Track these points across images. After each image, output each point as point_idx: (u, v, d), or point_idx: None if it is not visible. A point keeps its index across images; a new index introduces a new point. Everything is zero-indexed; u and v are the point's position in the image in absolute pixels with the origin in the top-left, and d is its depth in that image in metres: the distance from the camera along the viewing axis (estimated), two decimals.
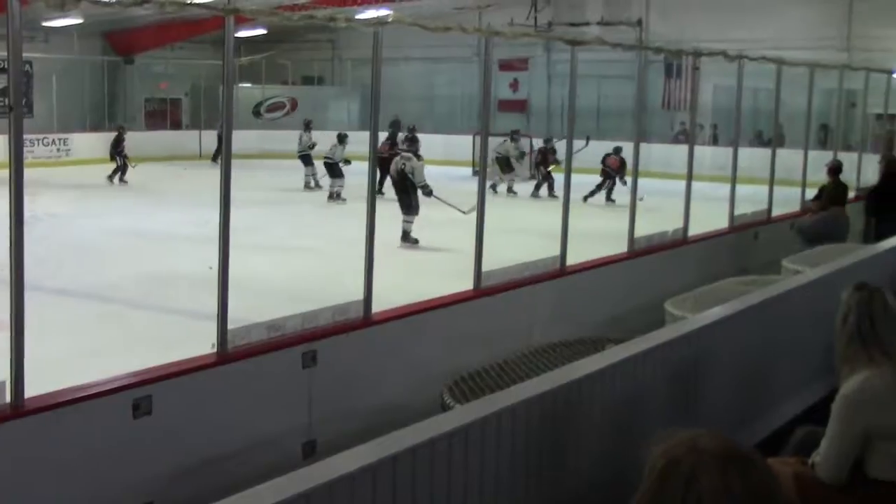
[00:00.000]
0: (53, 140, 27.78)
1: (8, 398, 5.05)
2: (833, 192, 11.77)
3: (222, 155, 6.26)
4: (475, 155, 23.08)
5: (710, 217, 12.28)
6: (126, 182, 23.93)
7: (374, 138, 7.43)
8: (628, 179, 14.57)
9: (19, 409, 5.06)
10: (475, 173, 23.06)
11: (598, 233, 11.34)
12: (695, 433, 2.18)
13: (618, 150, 20.91)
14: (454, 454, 4.07)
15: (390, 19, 7.42)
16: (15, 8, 4.92)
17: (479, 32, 8.10)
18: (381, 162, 21.95)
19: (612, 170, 21.02)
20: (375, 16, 7.44)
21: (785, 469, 4.39)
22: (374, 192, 7.23)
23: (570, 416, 4.70)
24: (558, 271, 8.94)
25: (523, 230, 13.79)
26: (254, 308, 7.45)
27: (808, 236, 11.18)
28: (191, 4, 5.98)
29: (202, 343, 6.23)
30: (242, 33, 31.18)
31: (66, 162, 27.24)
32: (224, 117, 6.28)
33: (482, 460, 4.19)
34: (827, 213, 11.32)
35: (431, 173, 25.27)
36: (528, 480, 4.49)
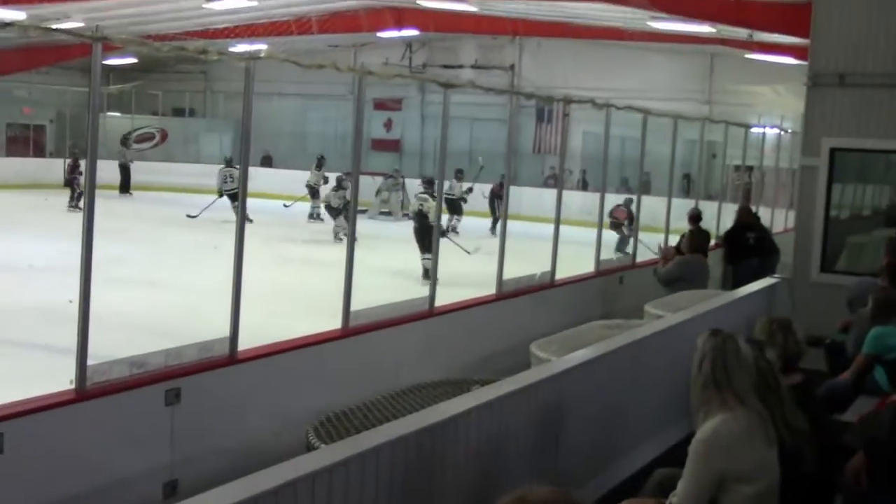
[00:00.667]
0: None
1: None
2: (691, 239, 12.13)
3: (85, 185, 6.10)
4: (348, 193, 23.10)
5: (577, 261, 12.51)
6: (80, 209, 23.44)
7: (244, 172, 7.37)
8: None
9: None
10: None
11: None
12: (529, 486, 2.22)
13: (628, 203, 20.40)
14: (318, 495, 4.04)
15: (263, 54, 7.40)
16: None
17: (353, 71, 8.16)
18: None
19: (619, 221, 20.64)
20: (248, 50, 7.38)
21: None
22: (243, 227, 7.14)
23: (435, 458, 4.72)
24: (426, 312, 8.97)
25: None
26: (116, 344, 7.27)
27: (665, 281, 11.49)
28: (57, 30, 5.84)
29: (60, 380, 6.03)
30: (112, 61, 30.61)
31: None
32: (89, 146, 6.12)
33: (346, 501, 4.17)
34: (684, 259, 11.66)
35: (304, 210, 25.29)
36: None
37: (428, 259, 15.04)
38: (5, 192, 26.17)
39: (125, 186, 28.98)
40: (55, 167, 28.83)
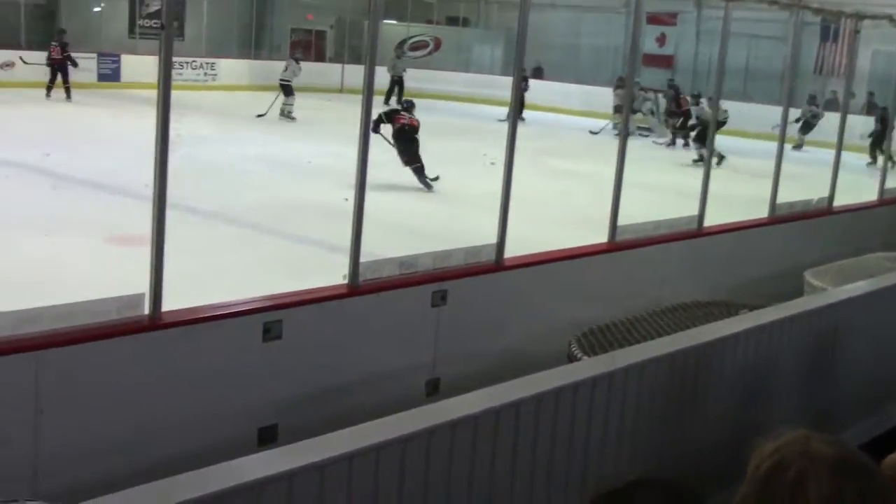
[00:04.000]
0: (202, 64, 28.26)
1: (147, 310, 5.19)
2: None
3: (364, 89, 6.25)
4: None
5: (856, 188, 11.83)
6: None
7: (517, 82, 7.34)
8: None
9: (156, 321, 5.20)
10: (615, 126, 22.76)
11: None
12: (807, 434, 1.98)
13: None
14: (578, 406, 4.03)
15: None
16: None
17: None
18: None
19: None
20: None
21: None
22: (514, 136, 7.13)
23: (698, 379, 4.61)
24: (695, 231, 8.73)
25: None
26: (385, 244, 7.50)
27: None
28: None
29: (333, 274, 6.28)
30: None
31: (212, 86, 27.72)
32: (367, 52, 6.26)
33: (607, 413, 4.14)
34: None
35: (567, 122, 25.18)
36: (651, 436, 4.43)
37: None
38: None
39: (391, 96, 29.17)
40: (334, 71, 29.86)
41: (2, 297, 5.80)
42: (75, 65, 23.29)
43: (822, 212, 10.50)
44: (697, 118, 20.91)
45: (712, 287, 8.19)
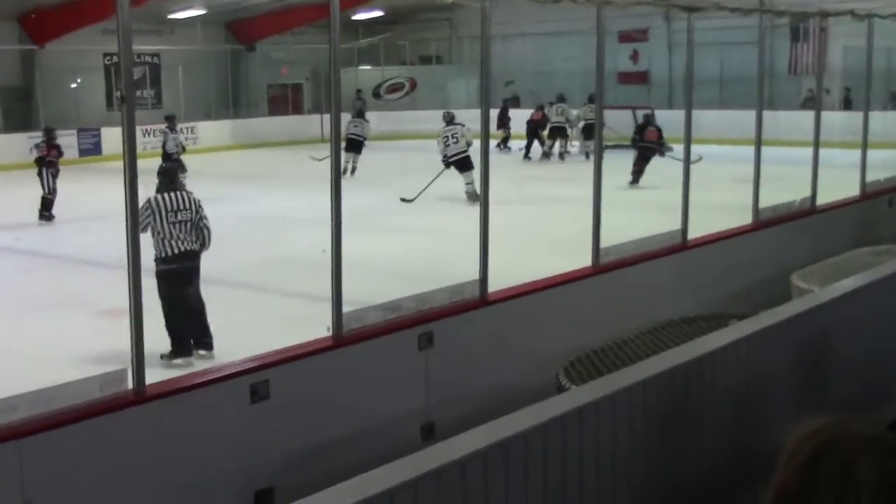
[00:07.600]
0: (182, 129, 28.29)
1: (130, 385, 5.14)
2: None
3: (331, 139, 6.25)
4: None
5: (839, 185, 11.80)
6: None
7: (485, 115, 7.32)
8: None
9: (141, 395, 5.15)
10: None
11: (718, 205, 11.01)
12: (841, 418, 1.90)
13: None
14: (568, 438, 3.97)
15: None
16: (124, 2, 4.97)
17: (591, 3, 7.91)
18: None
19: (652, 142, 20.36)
20: None
21: None
22: (487, 170, 7.11)
23: (690, 397, 4.55)
24: (679, 246, 8.70)
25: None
26: (368, 290, 7.45)
27: None
28: None
29: (318, 326, 6.22)
30: (360, 16, 31.47)
31: (194, 150, 27.73)
32: (332, 100, 6.26)
33: (597, 444, 4.08)
34: None
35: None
36: (647, 464, 4.36)
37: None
38: (269, 150, 27.49)
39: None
40: (313, 123, 29.94)
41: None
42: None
43: (806, 212, 10.47)
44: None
45: (703, 300, 8.14)
